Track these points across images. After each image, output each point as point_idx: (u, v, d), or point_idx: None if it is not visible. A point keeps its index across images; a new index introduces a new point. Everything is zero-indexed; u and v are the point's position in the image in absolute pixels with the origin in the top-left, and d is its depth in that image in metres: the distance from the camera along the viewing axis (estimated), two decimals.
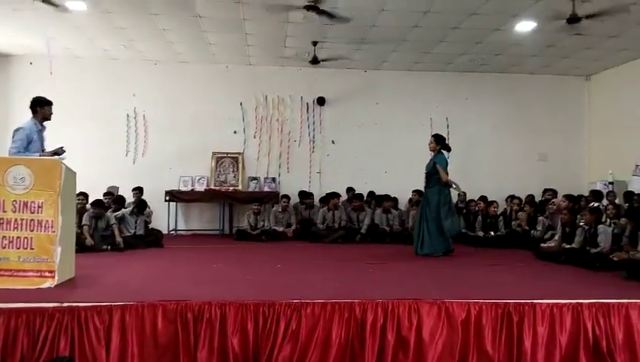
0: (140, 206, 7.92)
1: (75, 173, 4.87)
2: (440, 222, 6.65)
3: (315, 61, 8.80)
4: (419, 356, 3.80)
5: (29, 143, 4.91)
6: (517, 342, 3.88)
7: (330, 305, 3.81)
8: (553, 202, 8.51)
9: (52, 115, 5.19)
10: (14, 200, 4.31)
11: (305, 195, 9.48)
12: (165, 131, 9.86)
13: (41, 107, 5.09)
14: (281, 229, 8.90)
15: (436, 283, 4.87)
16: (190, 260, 6.51)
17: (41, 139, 5.08)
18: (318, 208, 9.27)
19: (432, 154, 6.92)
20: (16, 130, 4.94)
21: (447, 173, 6.67)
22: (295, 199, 9.59)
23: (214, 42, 8.67)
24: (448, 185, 6.70)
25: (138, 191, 8.72)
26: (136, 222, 7.76)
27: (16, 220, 4.31)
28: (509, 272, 5.71)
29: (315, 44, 8.53)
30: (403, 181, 9.70)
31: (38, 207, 4.34)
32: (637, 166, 8.64)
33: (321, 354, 3.72)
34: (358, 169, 10.09)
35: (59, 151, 5.00)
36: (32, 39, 8.51)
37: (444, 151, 6.87)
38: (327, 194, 9.14)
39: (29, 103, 5.14)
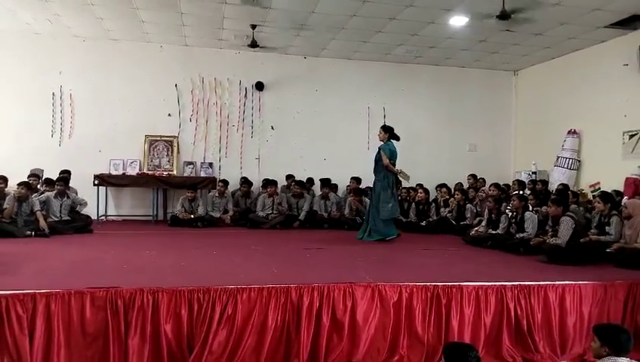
0: (64, 186, 7.50)
1: None
2: (381, 206, 6.88)
3: (253, 45, 8.67)
4: (353, 338, 3.90)
5: None
6: (445, 323, 4.08)
7: (266, 289, 3.82)
8: (483, 190, 8.96)
9: None
10: None
11: (244, 182, 9.37)
12: (94, 112, 9.37)
13: None
14: (217, 215, 8.76)
15: (371, 267, 5.00)
16: (121, 247, 6.27)
17: None
18: (257, 194, 9.22)
19: (382, 143, 7.12)
20: None
21: (391, 162, 6.91)
22: (234, 185, 9.46)
23: (147, 20, 8.31)
24: (391, 171, 6.91)
25: (65, 173, 8.24)
26: (61, 206, 7.36)
27: None
28: (439, 256, 5.96)
29: (253, 27, 8.40)
30: (342, 168, 9.84)
31: None
32: (558, 157, 9.25)
33: (258, 338, 3.74)
34: (298, 156, 10.10)
35: None
36: None
37: (394, 141, 7.07)
38: (266, 181, 9.11)
39: None
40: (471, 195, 8.90)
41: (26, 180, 7.38)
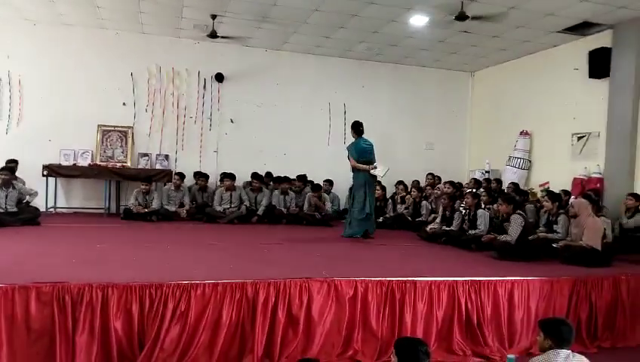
0: (10, 176, 7.16)
1: None
2: (354, 206, 6.90)
3: (213, 35, 8.51)
4: (308, 333, 3.92)
5: None
6: (399, 317, 4.15)
7: (221, 285, 3.78)
8: (438, 187, 9.16)
9: None
10: None
11: (200, 175, 9.19)
12: (45, 99, 8.96)
13: None
14: (173, 209, 8.58)
15: (327, 262, 5.02)
16: (70, 240, 6.04)
17: None
18: (214, 189, 9.08)
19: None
20: None
21: (363, 159, 6.85)
22: (191, 179, 9.28)
23: (102, 5, 8.00)
24: (359, 169, 6.88)
25: (12, 163, 7.86)
26: (6, 197, 7.02)
27: None
28: (394, 252, 6.06)
29: (214, 17, 8.24)
30: (301, 163, 9.82)
31: None
32: (510, 157, 9.56)
33: (211, 335, 3.70)
34: (257, 150, 10.00)
35: None
36: None
37: (366, 137, 7.04)
38: (224, 175, 8.98)
39: None
40: (428, 192, 9.08)
41: None
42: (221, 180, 9.07)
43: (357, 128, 7.05)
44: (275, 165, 9.82)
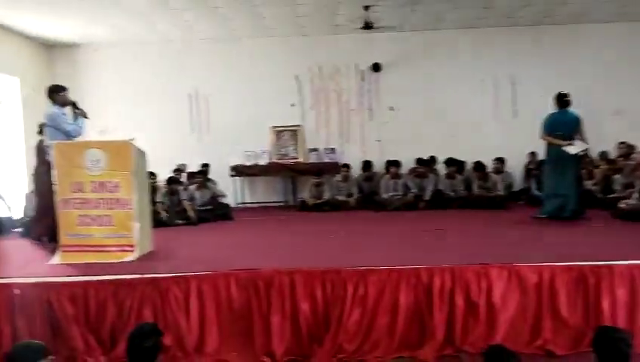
0: (204, 178, 8.28)
1: (144, 153, 5.12)
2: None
3: (367, 26, 8.61)
4: (490, 320, 3.76)
5: (57, 130, 5.24)
6: (594, 306, 3.75)
7: (395, 271, 3.83)
8: (632, 157, 7.97)
9: (71, 101, 5.45)
10: (92, 181, 4.62)
11: (366, 165, 9.42)
12: (226, 108, 10.06)
13: (57, 94, 5.41)
14: (343, 199, 8.95)
15: (504, 246, 4.75)
16: (258, 231, 6.74)
17: (72, 124, 5.34)
18: (380, 176, 9.22)
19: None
20: (54, 115, 5.29)
21: (553, 133, 6.37)
22: (356, 169, 9.58)
23: (266, 16, 8.68)
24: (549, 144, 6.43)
25: (205, 167, 9.08)
26: (202, 197, 8.09)
27: (96, 200, 4.63)
28: (582, 234, 5.47)
29: (366, 8, 8.31)
30: (467, 145, 9.42)
31: (115, 186, 4.63)
32: None
33: (390, 319, 3.77)
34: (419, 134, 9.87)
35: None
36: (96, 27, 8.89)
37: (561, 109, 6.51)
38: (388, 163, 9.06)
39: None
40: (620, 164, 7.93)
41: (172, 175, 8.20)
42: (386, 169, 9.17)
43: (556, 100, 6.53)
44: (439, 149, 9.56)
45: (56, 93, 5.43)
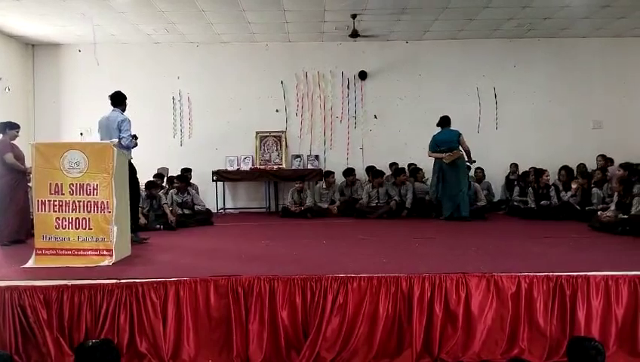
0: (185, 183, 8.21)
1: (125, 156, 5.05)
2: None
3: (354, 34, 8.67)
4: (468, 329, 3.78)
5: (116, 136, 5.46)
6: (570, 316, 3.79)
7: (376, 279, 3.83)
8: (609, 170, 8.13)
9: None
10: (71, 183, 4.54)
11: (348, 173, 9.42)
12: (210, 112, 10.02)
13: (125, 101, 5.81)
14: (325, 206, 8.94)
15: (484, 256, 4.79)
16: (239, 237, 6.69)
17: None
18: (362, 184, 9.23)
19: None
20: (125, 121, 5.57)
21: (433, 150, 7.93)
22: (339, 176, 9.57)
23: (253, 21, 8.67)
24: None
25: (186, 172, 8.98)
26: (183, 202, 8.00)
27: (74, 202, 4.54)
28: (561, 245, 5.53)
29: (354, 16, 8.38)
30: None
31: (94, 189, 4.55)
32: None
33: (369, 326, 3.77)
34: (402, 143, 9.94)
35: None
36: (78, 27, 8.77)
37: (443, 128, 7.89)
38: (370, 171, 9.05)
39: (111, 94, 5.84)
40: (598, 177, 8.07)
41: (152, 180, 8.07)
42: (367, 174, 9.17)
43: (439, 121, 7.92)
44: (421, 157, 9.61)
45: (125, 100, 5.76)
